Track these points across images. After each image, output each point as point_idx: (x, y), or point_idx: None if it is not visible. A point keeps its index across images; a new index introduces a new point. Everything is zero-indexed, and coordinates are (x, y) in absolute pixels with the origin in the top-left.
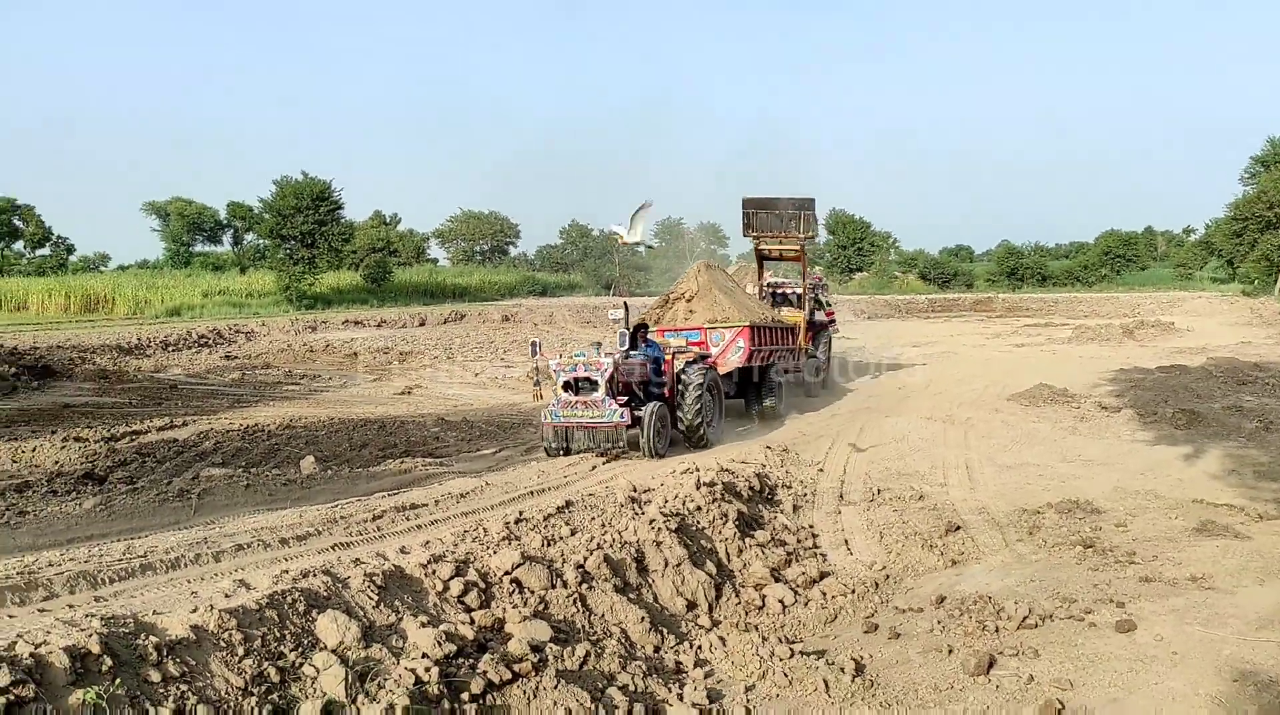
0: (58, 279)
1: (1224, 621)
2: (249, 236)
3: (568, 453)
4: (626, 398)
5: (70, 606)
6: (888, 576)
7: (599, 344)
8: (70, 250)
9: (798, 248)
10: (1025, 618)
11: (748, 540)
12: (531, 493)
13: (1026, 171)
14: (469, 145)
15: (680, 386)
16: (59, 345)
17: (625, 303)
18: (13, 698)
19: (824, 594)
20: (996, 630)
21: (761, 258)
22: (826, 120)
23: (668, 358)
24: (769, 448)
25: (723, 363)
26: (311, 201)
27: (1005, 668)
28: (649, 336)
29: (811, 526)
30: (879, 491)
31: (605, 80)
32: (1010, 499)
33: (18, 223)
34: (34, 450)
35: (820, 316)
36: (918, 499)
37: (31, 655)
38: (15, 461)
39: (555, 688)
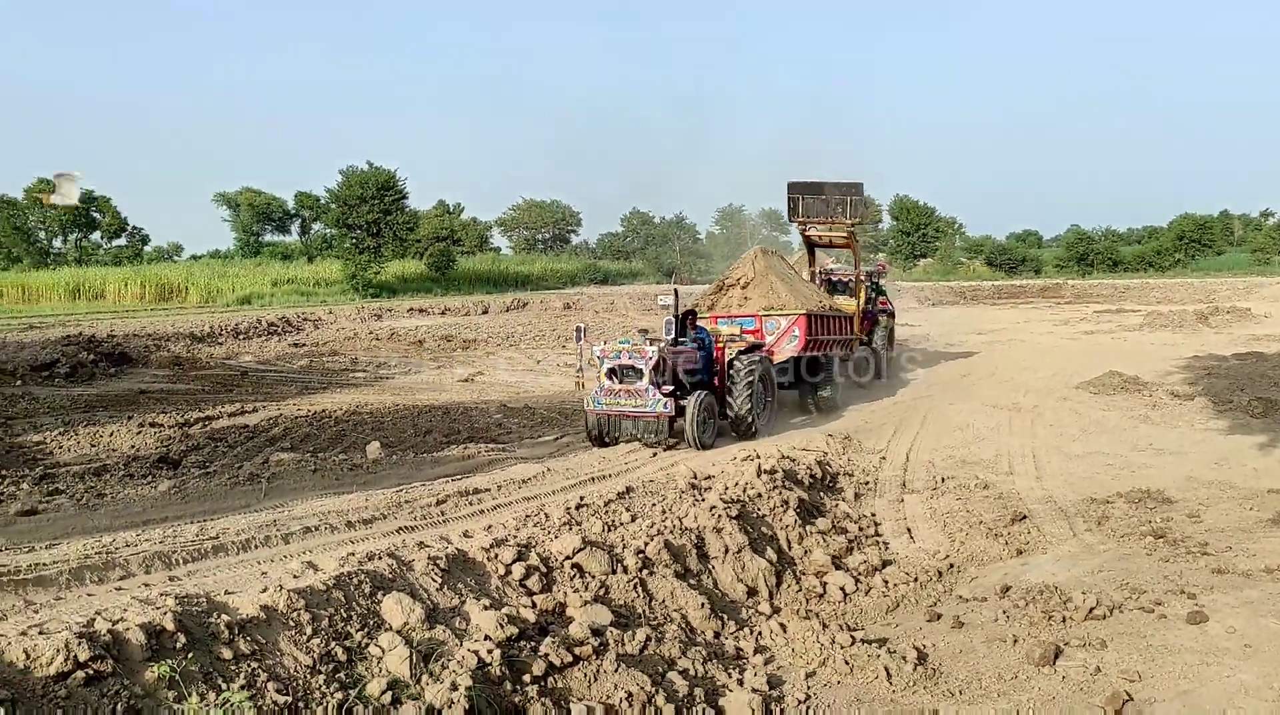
0: (133, 268)
1: None
2: (316, 226)
3: (607, 442)
4: (672, 387)
5: (146, 586)
6: (951, 565)
7: (645, 331)
8: (145, 240)
9: (846, 234)
10: (1093, 608)
11: (808, 527)
12: (593, 479)
13: (1098, 154)
14: (531, 134)
15: (730, 375)
16: (135, 333)
17: (675, 289)
18: (92, 672)
19: (886, 582)
20: (1063, 620)
21: (810, 245)
22: (890, 102)
23: (718, 346)
24: (830, 436)
25: (777, 352)
26: (377, 191)
27: (1072, 658)
28: (699, 323)
29: (873, 514)
30: (942, 480)
31: (666, 66)
32: (1078, 488)
33: (95, 214)
34: (111, 435)
35: (876, 305)
36: (982, 487)
37: (109, 631)
38: (93, 446)
39: (616, 671)
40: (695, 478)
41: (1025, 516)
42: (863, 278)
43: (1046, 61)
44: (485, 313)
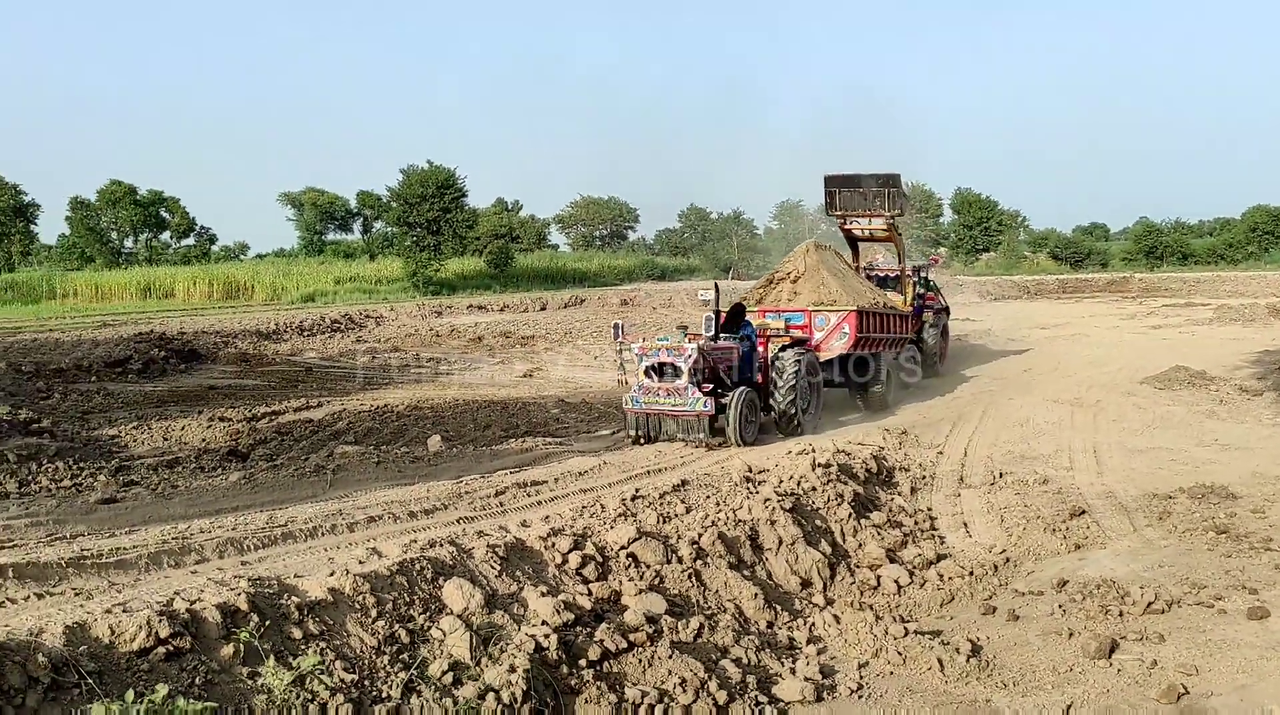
0: (201, 267)
1: None
2: (378, 224)
3: (651, 440)
4: (712, 384)
5: (220, 569)
6: (1007, 559)
7: (685, 327)
8: (213, 240)
9: (886, 227)
10: (1150, 603)
11: (863, 521)
12: (648, 472)
13: (1168, 144)
14: (588, 130)
15: (774, 372)
16: (203, 330)
17: (716, 283)
18: (171, 648)
19: (940, 575)
20: (1120, 615)
21: (852, 240)
22: (952, 93)
23: (762, 341)
24: (887, 431)
25: (825, 348)
26: (437, 189)
27: (1128, 652)
28: (746, 318)
29: (930, 509)
30: (1000, 475)
31: (719, 59)
32: (1139, 484)
33: (164, 214)
34: (182, 429)
35: (924, 301)
36: (1041, 482)
37: (188, 610)
38: (166, 440)
39: (670, 657)
40: (750, 471)
41: (1084, 511)
42: (908, 272)
43: (1114, 48)
44: (543, 309)
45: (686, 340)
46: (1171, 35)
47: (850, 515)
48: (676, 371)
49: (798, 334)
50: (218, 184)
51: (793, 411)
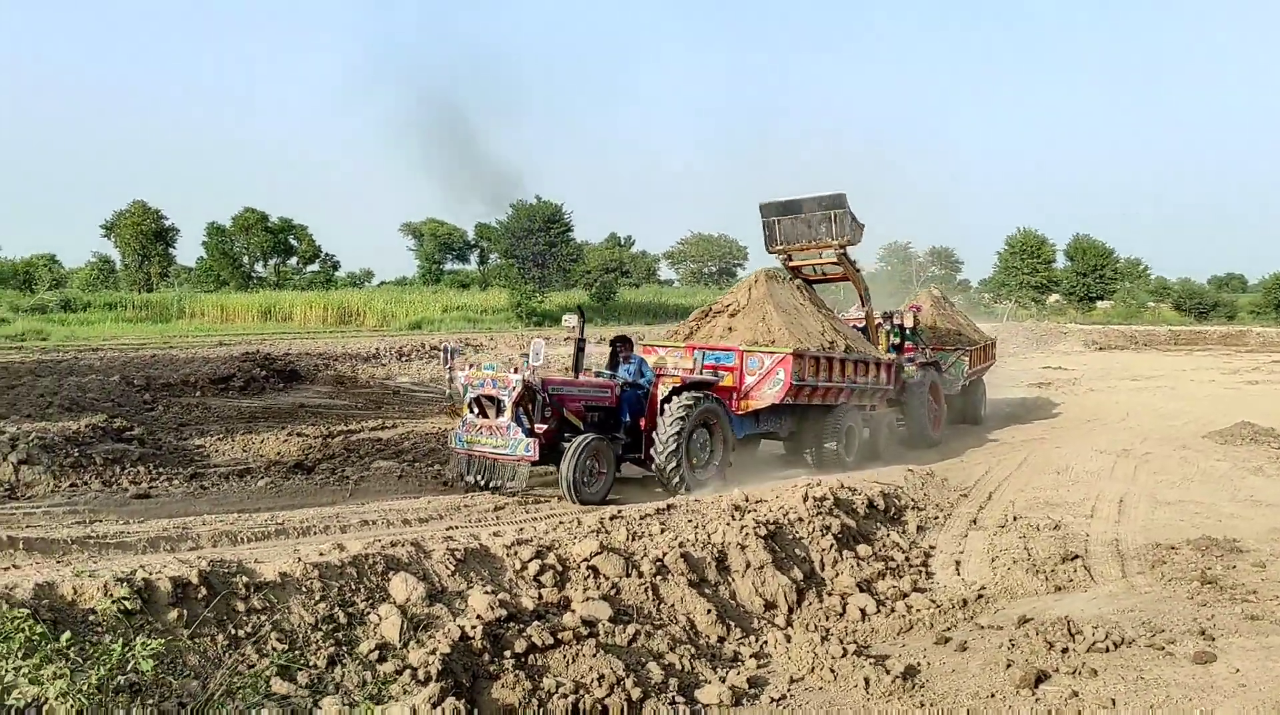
0: (319, 293)
1: None
2: (492, 257)
3: (483, 487)
4: (553, 425)
5: (202, 555)
6: (980, 596)
7: (527, 355)
8: (336, 267)
9: (837, 259)
10: (1097, 642)
11: (845, 552)
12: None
13: None
14: (701, 167)
15: (659, 417)
16: (309, 352)
17: (580, 309)
18: (124, 607)
19: (909, 607)
20: (1064, 651)
21: (806, 282)
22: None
23: (655, 380)
24: (911, 470)
25: (756, 396)
26: (544, 223)
27: (1056, 684)
28: (632, 354)
29: (932, 547)
30: (1014, 518)
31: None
32: (1150, 534)
33: (292, 241)
34: (261, 442)
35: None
36: (1052, 528)
37: (144, 579)
38: (245, 451)
39: (594, 655)
40: (745, 501)
41: (1077, 556)
42: (876, 320)
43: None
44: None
45: (511, 370)
46: None
47: (832, 545)
48: (501, 407)
49: (707, 376)
50: (347, 213)
51: (671, 466)
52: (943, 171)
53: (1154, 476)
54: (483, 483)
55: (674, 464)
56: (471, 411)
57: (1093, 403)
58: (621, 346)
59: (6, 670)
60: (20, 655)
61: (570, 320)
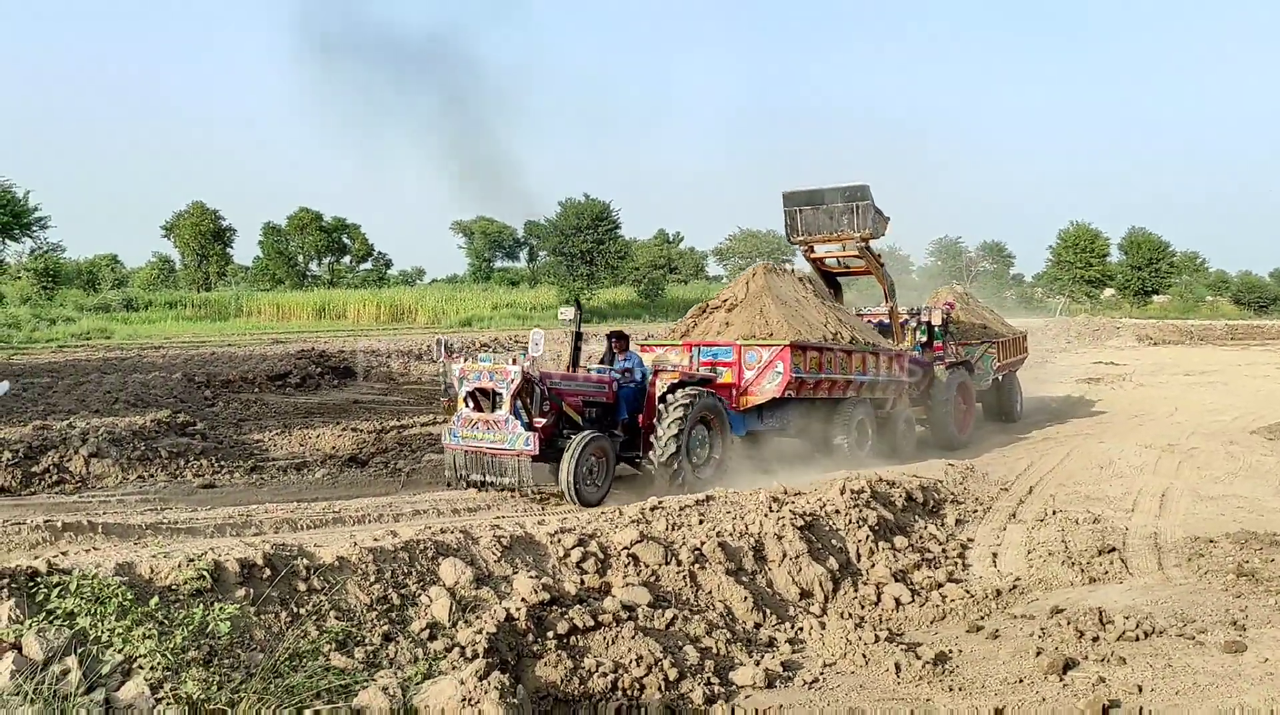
0: (372, 292)
1: None
2: (542, 254)
3: (481, 485)
4: (551, 420)
5: (265, 540)
6: (1015, 587)
7: (526, 348)
8: (389, 265)
9: (860, 253)
10: (1127, 631)
11: (881, 544)
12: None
13: None
14: (745, 165)
15: (658, 413)
16: (362, 349)
17: (578, 300)
18: (195, 587)
19: (943, 596)
20: (1095, 639)
21: (827, 275)
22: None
23: (652, 377)
24: (951, 464)
25: (755, 391)
26: (592, 221)
27: (1084, 670)
28: (629, 350)
29: (970, 539)
30: (1054, 512)
31: (868, 91)
32: (1190, 528)
33: (345, 240)
34: (317, 437)
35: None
36: (1092, 521)
37: (214, 560)
38: (302, 446)
39: (633, 637)
40: (784, 493)
41: (1114, 549)
42: (901, 316)
43: None
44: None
45: (510, 362)
46: None
47: (869, 537)
48: (498, 400)
49: (703, 372)
50: (399, 211)
51: (672, 462)
52: (993, 165)
53: (1198, 471)
54: (481, 482)
55: (675, 462)
56: (467, 405)
57: (1141, 397)
58: (617, 341)
59: (103, 631)
60: (114, 617)
61: (567, 312)
